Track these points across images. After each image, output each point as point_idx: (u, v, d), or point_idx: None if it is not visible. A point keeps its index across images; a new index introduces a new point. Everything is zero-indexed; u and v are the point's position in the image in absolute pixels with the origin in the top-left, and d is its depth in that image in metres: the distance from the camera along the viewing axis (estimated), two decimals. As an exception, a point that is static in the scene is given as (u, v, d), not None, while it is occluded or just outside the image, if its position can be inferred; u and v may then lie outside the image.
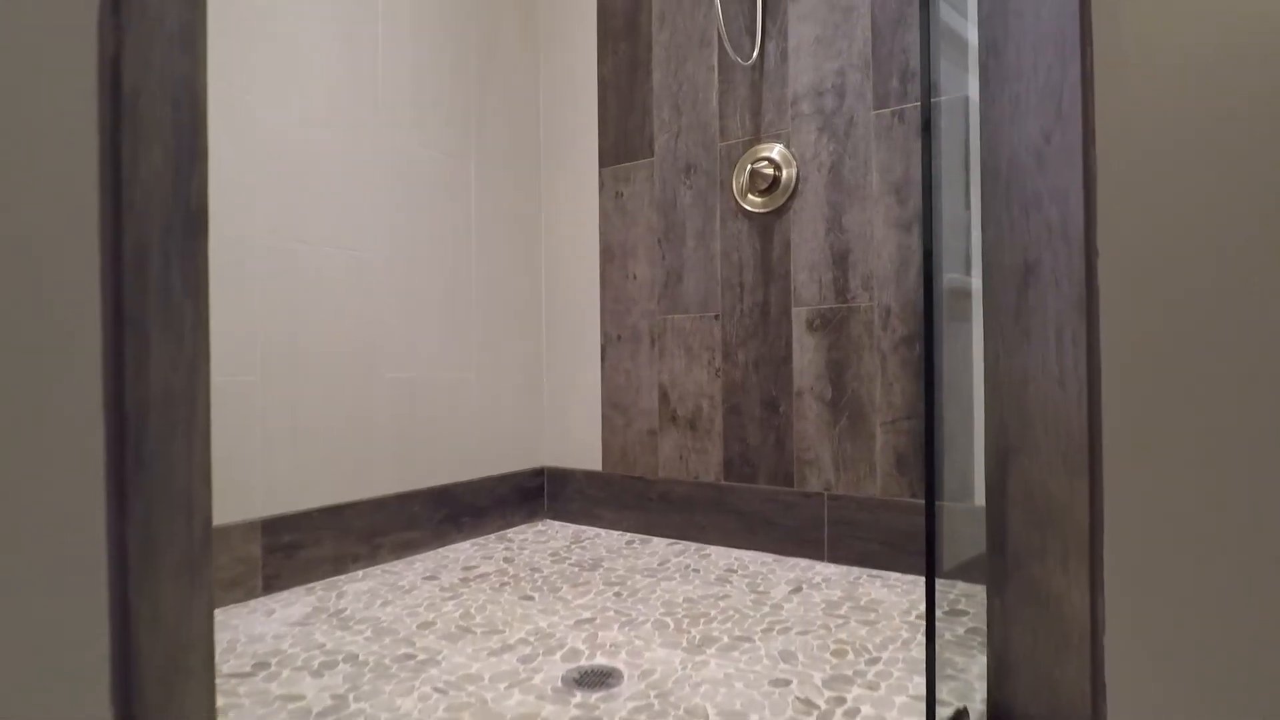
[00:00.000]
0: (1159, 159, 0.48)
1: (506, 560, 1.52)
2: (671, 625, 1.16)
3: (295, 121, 1.34)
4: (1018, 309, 0.58)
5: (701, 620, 1.17)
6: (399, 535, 1.51)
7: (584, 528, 1.79)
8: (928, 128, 0.83)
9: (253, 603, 1.26)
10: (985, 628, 1.14)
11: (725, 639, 1.10)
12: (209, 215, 0.40)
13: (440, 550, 1.59)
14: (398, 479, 1.52)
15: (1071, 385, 0.52)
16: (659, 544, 1.64)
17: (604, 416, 1.78)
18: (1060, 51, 0.51)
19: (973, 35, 1.20)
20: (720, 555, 1.54)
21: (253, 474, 1.27)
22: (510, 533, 1.75)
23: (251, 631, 1.13)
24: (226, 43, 1.24)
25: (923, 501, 1.36)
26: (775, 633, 1.12)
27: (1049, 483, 0.52)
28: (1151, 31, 0.49)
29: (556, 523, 1.85)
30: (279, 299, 1.31)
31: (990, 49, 0.58)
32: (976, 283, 1.10)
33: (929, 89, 0.85)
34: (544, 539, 1.69)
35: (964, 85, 1.27)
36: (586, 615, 1.20)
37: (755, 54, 1.52)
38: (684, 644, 1.08)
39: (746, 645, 1.07)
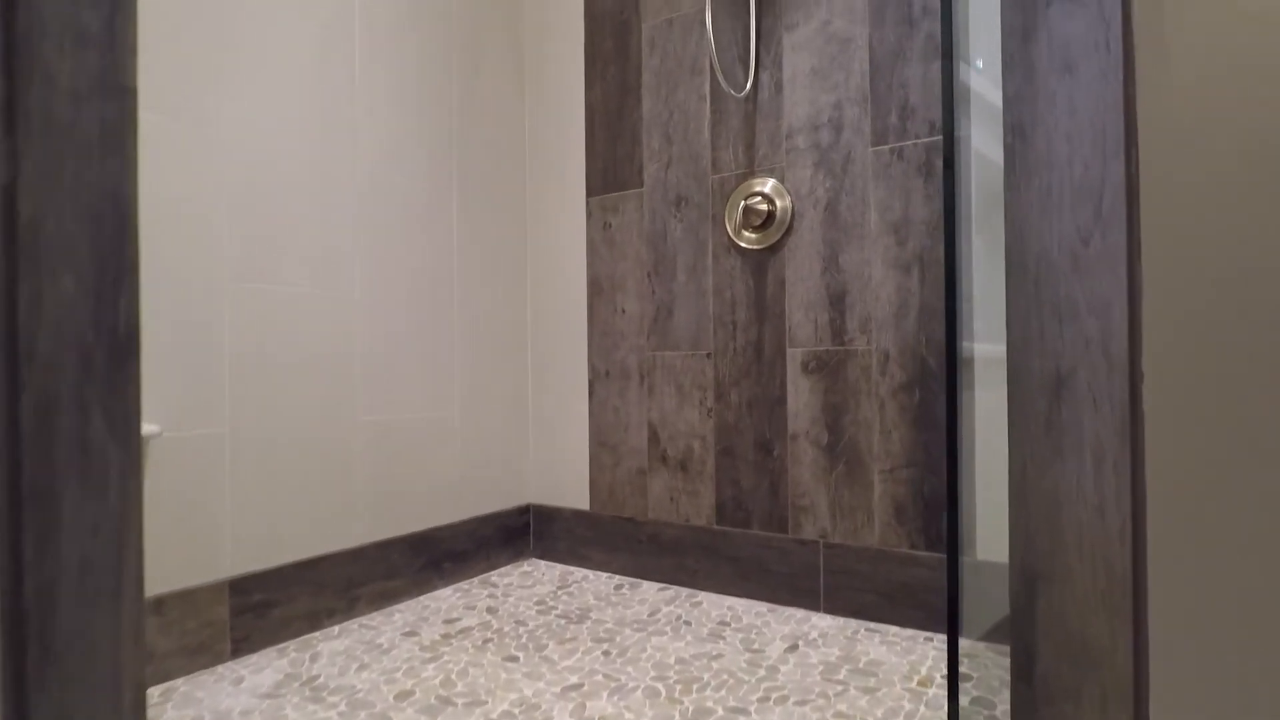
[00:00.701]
0: (1214, 276, 0.44)
1: (490, 610, 1.45)
2: (663, 693, 1.10)
3: (265, 156, 1.27)
4: (1049, 421, 0.53)
5: (694, 686, 1.12)
6: (378, 585, 1.45)
7: (571, 568, 1.73)
8: (951, 195, 0.77)
9: (220, 669, 1.19)
10: (991, 696, 1.09)
11: (720, 710, 1.04)
12: (140, 334, 0.34)
13: (421, 599, 1.53)
14: (376, 526, 1.45)
15: (1113, 517, 0.47)
16: (649, 589, 1.58)
17: (592, 454, 1.72)
18: (1100, 147, 0.46)
19: (975, 82, 1.15)
20: (713, 604, 1.49)
21: (220, 532, 1.20)
22: (495, 575, 1.69)
23: (218, 707, 1.06)
24: (187, 75, 1.17)
25: (923, 553, 1.32)
26: (772, 702, 1.07)
27: (1085, 620, 0.48)
28: (1206, 135, 0.44)
29: (543, 562, 1.79)
30: (249, 345, 1.24)
31: (1018, 132, 0.53)
32: (980, 347, 1.05)
33: (951, 143, 0.80)
34: (530, 582, 1.63)
35: (964, 127, 1.22)
36: (574, 680, 1.14)
37: (749, 85, 1.47)
38: (676, 717, 1.02)
39: (742, 719, 1.02)
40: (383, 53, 1.48)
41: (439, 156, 1.60)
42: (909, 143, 1.33)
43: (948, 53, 0.84)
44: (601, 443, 1.70)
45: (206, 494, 1.18)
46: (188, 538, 1.16)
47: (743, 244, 1.50)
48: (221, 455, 1.20)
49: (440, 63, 1.60)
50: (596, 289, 1.71)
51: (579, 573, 1.70)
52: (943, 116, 0.92)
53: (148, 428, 1.07)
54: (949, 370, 0.86)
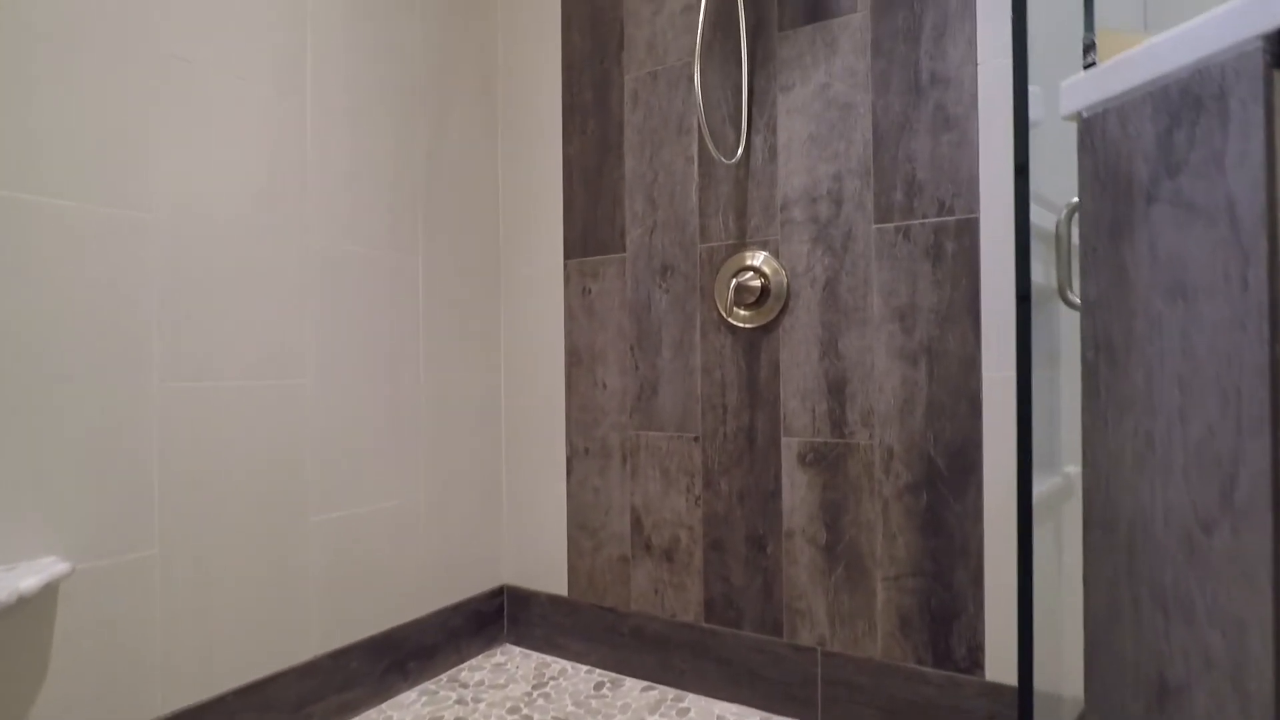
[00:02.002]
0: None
1: (458, 725, 1.33)
2: None
3: (202, 236, 1.13)
4: (1144, 739, 0.41)
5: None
6: (334, 699, 1.31)
7: (548, 659, 1.61)
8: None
9: (148, 825, 1.05)
10: None
11: None
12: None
13: (383, 707, 1.39)
14: (330, 635, 1.32)
15: None
16: (632, 688, 1.46)
17: (570, 537, 1.59)
18: (1233, 413, 0.35)
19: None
20: (701, 710, 1.37)
21: (150, 666, 1.06)
22: (466, 670, 1.56)
23: None
24: (109, 153, 1.03)
25: (931, 670, 1.21)
26: None
27: None
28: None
29: (518, 649, 1.66)
30: (182, 453, 1.10)
31: (1103, 350, 0.42)
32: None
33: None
34: (503, 678, 1.50)
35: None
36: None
37: (740, 150, 1.35)
38: None
39: None
40: (339, 113, 1.34)
41: (402, 219, 1.46)
42: (916, 222, 1.22)
43: (1022, 129, 0.71)
44: (581, 525, 1.58)
45: (133, 627, 1.04)
46: (110, 679, 1.02)
47: (734, 321, 1.38)
48: (151, 581, 1.06)
49: (404, 120, 1.46)
50: (575, 359, 1.59)
51: (556, 665, 1.58)
52: (1016, 213, 0.81)
53: (55, 568, 0.93)
54: (1022, 510, 0.74)
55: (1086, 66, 0.50)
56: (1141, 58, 0.39)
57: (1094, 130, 0.46)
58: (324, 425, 1.31)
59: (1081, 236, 0.45)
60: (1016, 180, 0.66)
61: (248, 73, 1.19)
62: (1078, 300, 0.88)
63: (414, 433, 1.48)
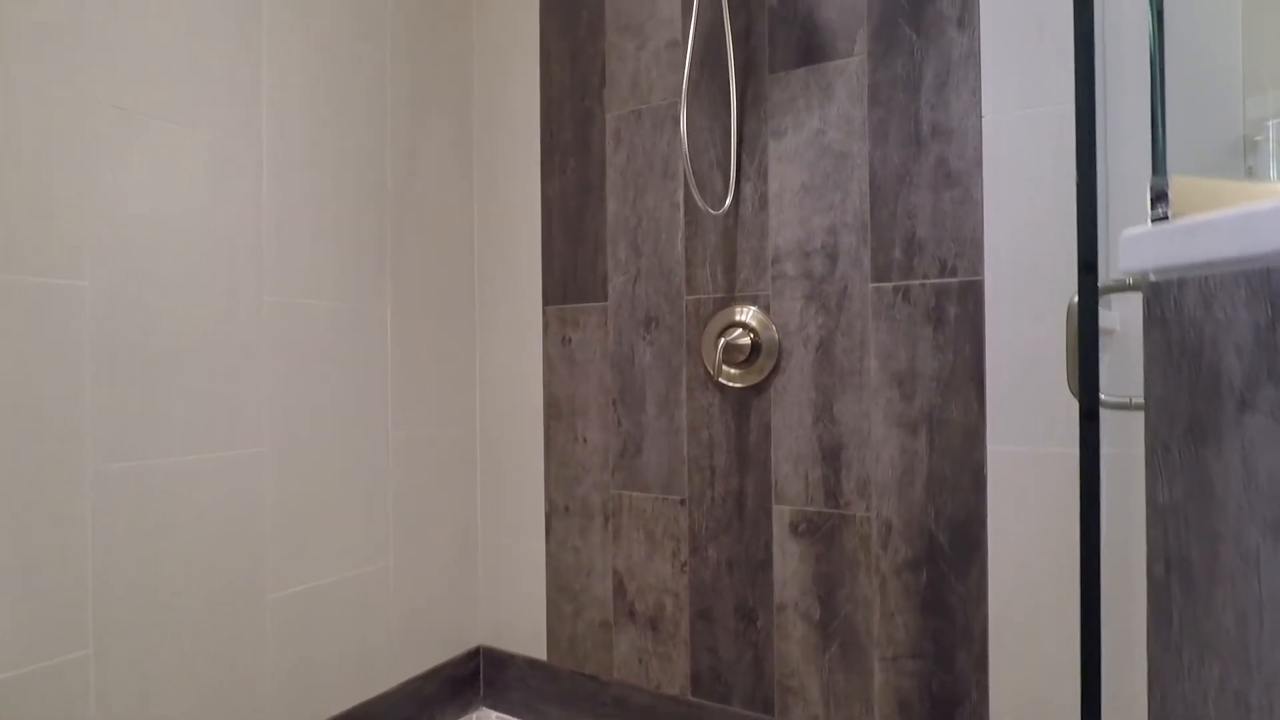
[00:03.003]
0: None
1: (428, 815, 1.24)
2: None
3: (143, 298, 1.03)
4: None
5: None
6: (293, 788, 1.22)
7: (526, 726, 1.52)
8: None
9: None
10: None
11: None
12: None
13: (348, 792, 1.30)
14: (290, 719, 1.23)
15: None
16: (614, 764, 1.38)
17: (549, 599, 1.51)
18: None
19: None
20: (687, 793, 1.29)
21: (82, 779, 0.97)
22: (437, 742, 1.47)
23: None
24: (43, 199, 0.93)
25: (931, 759, 1.14)
26: None
27: None
28: None
29: (494, 714, 1.57)
30: (121, 541, 1.01)
31: (1174, 564, 0.35)
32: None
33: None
34: (477, 755, 1.42)
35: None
36: None
37: (729, 199, 1.27)
38: None
39: None
40: (299, 158, 1.24)
41: (369, 266, 1.37)
42: (916, 282, 1.14)
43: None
44: (560, 587, 1.49)
45: (62, 738, 0.95)
46: (35, 801, 0.92)
47: (722, 380, 1.30)
48: (84, 686, 0.97)
49: (371, 159, 1.37)
50: (555, 412, 1.50)
51: (535, 734, 1.50)
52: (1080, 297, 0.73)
53: (-30, 687, 0.83)
54: (1086, 622, 0.66)
55: (1156, 219, 0.43)
56: (1235, 226, 0.32)
57: (1165, 299, 0.38)
58: (284, 495, 1.21)
59: (1148, 423, 0.38)
60: (1082, 279, 0.57)
61: (195, 120, 1.10)
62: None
63: (382, 492, 1.39)
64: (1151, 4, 0.61)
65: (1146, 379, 0.39)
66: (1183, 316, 0.36)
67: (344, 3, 1.32)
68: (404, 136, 1.44)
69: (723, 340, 1.25)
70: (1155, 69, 0.58)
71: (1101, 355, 0.99)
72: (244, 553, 1.16)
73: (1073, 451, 1.04)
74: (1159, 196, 0.44)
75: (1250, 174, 0.72)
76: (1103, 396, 0.79)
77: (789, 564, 1.25)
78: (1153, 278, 0.41)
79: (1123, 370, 1.00)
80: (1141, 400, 0.79)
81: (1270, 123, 0.73)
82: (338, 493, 1.31)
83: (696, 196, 1.17)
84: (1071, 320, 0.81)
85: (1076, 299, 0.82)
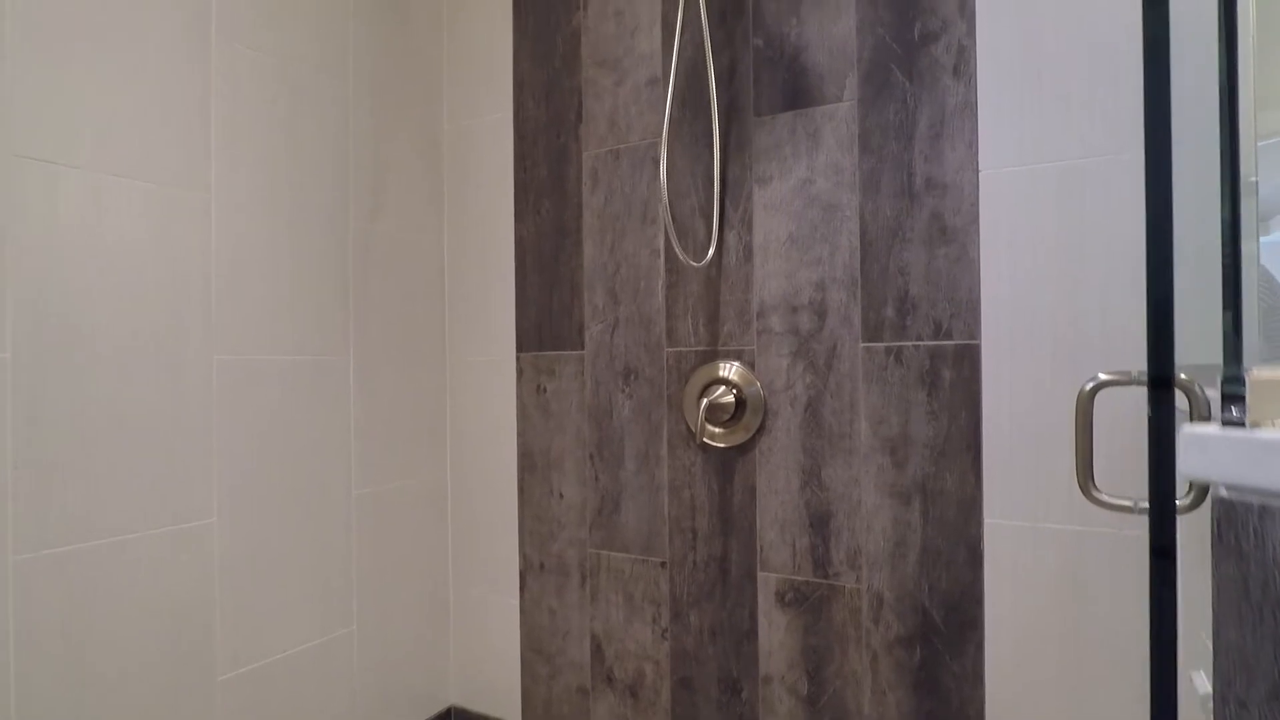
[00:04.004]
0: None
1: None
2: None
3: (75, 365, 0.95)
4: None
5: None
6: None
7: (500, 793, 1.45)
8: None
9: None
10: None
11: None
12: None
13: None
14: (244, 808, 1.14)
15: None
16: (592, 839, 1.31)
17: (524, 659, 1.43)
18: None
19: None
20: None
21: None
22: (405, 814, 1.39)
23: None
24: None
25: (924, 847, 1.08)
26: None
27: None
28: None
29: (467, 778, 1.50)
30: (48, 636, 0.92)
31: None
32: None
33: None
34: (447, 828, 1.34)
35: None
36: None
37: (712, 250, 1.20)
38: None
39: None
40: (253, 204, 1.16)
41: (330, 314, 1.28)
42: (909, 344, 1.08)
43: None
44: (536, 649, 1.42)
45: None
46: None
47: (706, 440, 1.23)
48: (5, 797, 0.88)
49: (332, 194, 1.29)
50: (529, 464, 1.42)
51: (509, 803, 1.42)
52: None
53: None
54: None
55: (1229, 422, 0.37)
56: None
57: (1241, 523, 0.32)
58: (236, 567, 1.13)
59: (1218, 669, 0.32)
60: (1154, 403, 0.49)
61: (131, 169, 1.01)
62: (1103, 497, 0.75)
63: (346, 552, 1.31)
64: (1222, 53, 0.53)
65: (1216, 616, 0.33)
66: (1266, 554, 0.30)
67: (302, 32, 1.24)
68: (368, 173, 1.35)
69: (705, 400, 1.18)
70: (1226, 169, 0.50)
71: (1102, 441, 0.93)
72: (191, 635, 1.07)
73: (1074, 529, 0.98)
74: (1232, 394, 0.37)
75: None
76: (1104, 497, 0.73)
77: (775, 635, 1.19)
78: (1224, 493, 0.35)
79: (1118, 458, 0.94)
80: (1147, 506, 0.73)
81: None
82: (297, 558, 1.22)
83: (678, 249, 1.10)
84: (1082, 411, 0.75)
85: (1088, 386, 0.76)
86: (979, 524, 1.04)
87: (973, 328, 1.04)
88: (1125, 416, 0.93)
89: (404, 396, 1.42)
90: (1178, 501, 0.69)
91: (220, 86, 1.12)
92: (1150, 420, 0.43)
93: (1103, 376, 0.74)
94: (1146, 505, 0.73)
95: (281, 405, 1.20)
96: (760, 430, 1.19)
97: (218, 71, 1.12)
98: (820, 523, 1.15)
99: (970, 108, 1.04)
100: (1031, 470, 1.00)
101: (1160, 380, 0.44)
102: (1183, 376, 0.67)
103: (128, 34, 1.00)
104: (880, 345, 1.10)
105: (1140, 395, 0.90)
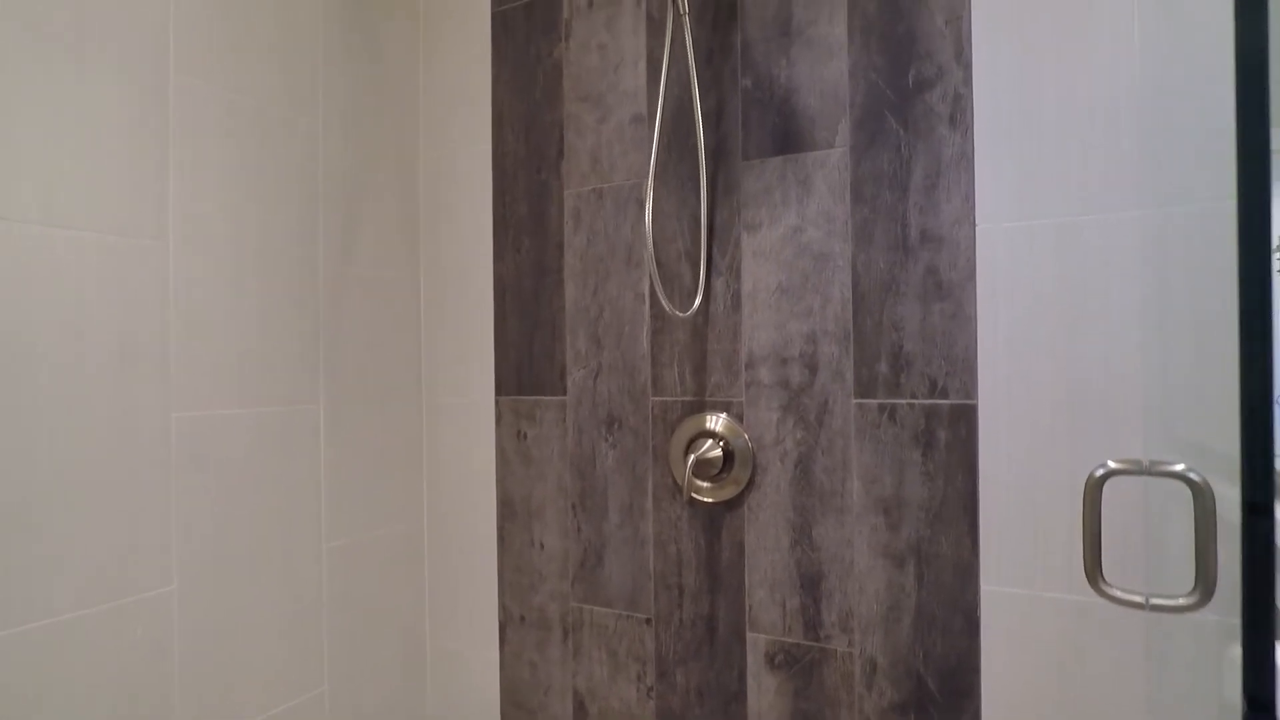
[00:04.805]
0: None
1: None
2: None
3: (8, 437, 0.88)
4: None
5: None
6: None
7: None
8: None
9: None
10: None
11: None
12: None
13: None
14: None
15: None
16: None
17: (504, 716, 1.38)
18: None
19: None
20: None
21: None
22: None
23: None
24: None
25: None
26: None
27: None
28: None
29: (444, 835, 1.45)
30: (-12, 728, 0.86)
31: None
32: None
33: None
34: None
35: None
36: None
37: (699, 298, 1.15)
38: None
39: None
40: (216, 252, 1.09)
41: (299, 361, 1.22)
42: (903, 401, 1.04)
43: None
44: (517, 704, 1.37)
45: None
46: None
47: (694, 494, 1.19)
48: None
49: (300, 234, 1.23)
50: (509, 511, 1.37)
51: None
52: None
53: None
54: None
55: None
56: None
57: None
58: (197, 636, 1.07)
59: None
60: (1249, 529, 0.44)
61: (81, 220, 0.94)
62: (1113, 591, 0.72)
63: (316, 609, 1.25)
64: None
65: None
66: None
67: (268, 65, 1.18)
68: (340, 212, 1.29)
69: (692, 457, 1.13)
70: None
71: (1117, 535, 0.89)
72: (144, 714, 1.01)
73: (1074, 599, 0.95)
74: (1260, 705, 0.33)
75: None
76: (1114, 591, 0.69)
77: (765, 698, 1.15)
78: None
79: (1118, 537, 0.91)
80: (1158, 603, 0.70)
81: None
82: (264, 619, 1.16)
83: (663, 300, 1.06)
84: (1089, 500, 0.72)
85: (1098, 473, 0.73)
86: (975, 590, 1.01)
87: (969, 387, 1.00)
88: (1131, 503, 0.89)
89: (378, 443, 1.37)
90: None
91: (179, 126, 1.06)
92: (1244, 552, 0.39)
93: (1112, 465, 0.71)
94: (1158, 602, 0.70)
95: (247, 460, 1.14)
96: (749, 485, 1.15)
97: (176, 110, 1.05)
98: (811, 583, 1.11)
99: (967, 159, 1.00)
100: (1030, 537, 0.97)
101: (1258, 506, 0.40)
102: (1193, 476, 0.64)
103: (75, 75, 0.94)
104: (873, 402, 1.06)
105: (1149, 482, 0.87)
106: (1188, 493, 0.66)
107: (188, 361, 1.06)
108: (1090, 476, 0.72)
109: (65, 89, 0.93)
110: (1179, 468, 0.67)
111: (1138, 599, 0.70)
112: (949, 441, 1.02)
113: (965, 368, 1.01)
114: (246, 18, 1.14)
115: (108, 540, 0.97)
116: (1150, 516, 0.87)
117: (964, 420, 1.01)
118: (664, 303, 1.06)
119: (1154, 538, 0.87)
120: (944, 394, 1.02)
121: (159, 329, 1.03)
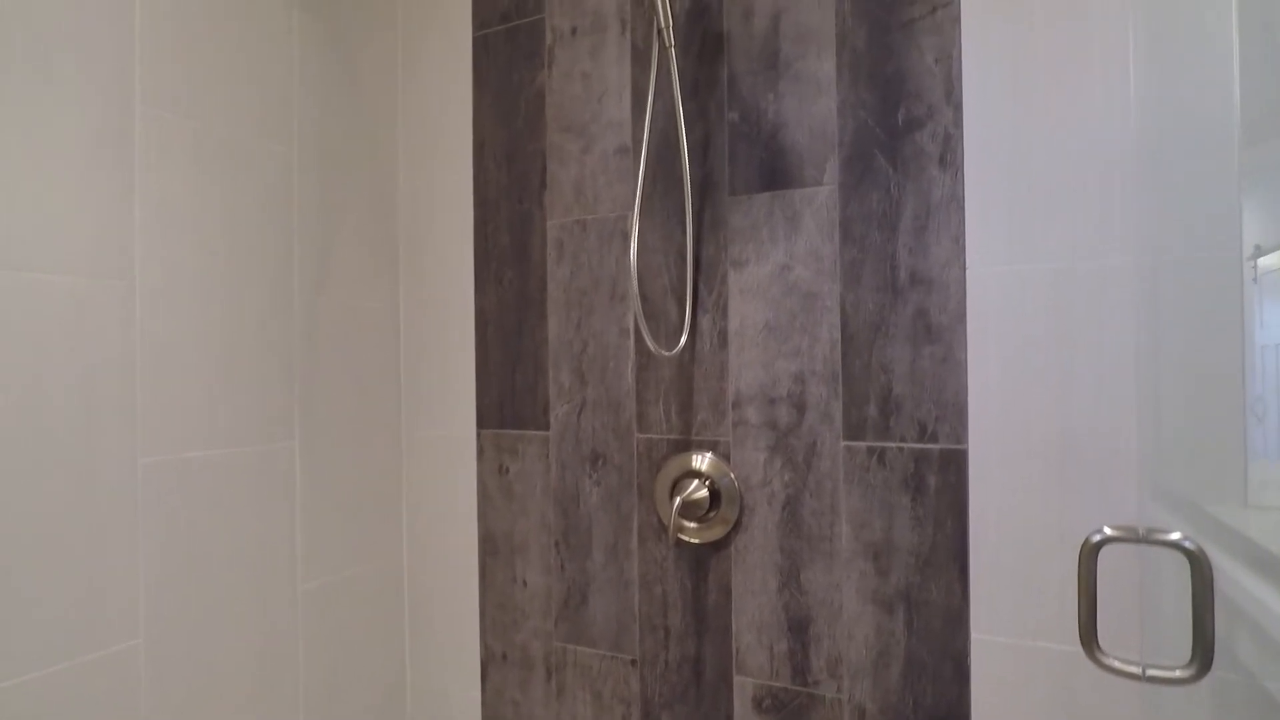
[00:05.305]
0: None
1: None
2: None
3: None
4: None
5: None
6: None
7: None
8: None
9: None
10: None
11: None
12: None
13: None
14: None
15: None
16: None
17: (486, 756, 1.35)
18: None
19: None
20: None
21: None
22: None
23: None
24: None
25: None
26: None
27: None
28: None
29: None
30: (-60, 801, 0.82)
31: None
32: None
33: None
34: None
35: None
36: None
37: (685, 336, 1.13)
38: None
39: None
40: (179, 275, 1.06)
41: (272, 398, 1.19)
42: (893, 445, 1.03)
43: None
44: (498, 744, 1.34)
45: None
46: None
47: (681, 536, 1.17)
48: None
49: (273, 268, 1.19)
50: (491, 547, 1.34)
51: None
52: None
53: None
54: None
55: None
56: None
57: None
58: (164, 691, 1.03)
59: None
60: None
61: (40, 262, 0.90)
62: (1109, 661, 0.70)
63: (291, 654, 1.21)
64: None
65: None
66: None
67: (240, 94, 1.14)
68: (315, 243, 1.26)
69: (678, 499, 1.11)
70: None
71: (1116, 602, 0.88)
72: (112, 772, 0.97)
73: (1065, 649, 0.94)
74: None
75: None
76: (1111, 661, 0.68)
77: (752, 743, 1.13)
78: None
79: (1112, 603, 0.89)
80: (1155, 675, 0.68)
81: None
82: (235, 670, 1.13)
83: (648, 340, 1.03)
84: (1085, 566, 0.70)
85: (1094, 539, 0.71)
86: (965, 638, 0.99)
87: (959, 432, 0.99)
88: (1126, 566, 0.88)
89: (355, 478, 1.33)
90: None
91: (146, 160, 1.01)
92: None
93: (1109, 531, 0.69)
94: (1154, 673, 0.69)
95: (218, 503, 1.10)
96: (736, 527, 1.13)
97: (143, 143, 1.01)
98: (799, 627, 1.09)
99: (957, 201, 0.98)
100: (1021, 585, 0.96)
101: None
102: (1189, 546, 0.62)
103: (32, 110, 0.90)
104: (862, 445, 1.05)
105: (1143, 549, 0.86)
106: (1184, 559, 0.65)
107: (156, 404, 1.02)
108: (1086, 543, 0.71)
109: (22, 123, 0.89)
110: (1175, 536, 0.65)
111: (1134, 669, 0.68)
112: (939, 487, 1.00)
113: (955, 412, 0.99)
114: (217, 44, 1.11)
115: (71, 595, 0.93)
116: (1146, 582, 0.86)
117: (954, 465, 0.99)
118: (649, 342, 1.04)
119: (1150, 604, 0.86)
120: (934, 438, 1.00)
121: (125, 372, 0.99)
